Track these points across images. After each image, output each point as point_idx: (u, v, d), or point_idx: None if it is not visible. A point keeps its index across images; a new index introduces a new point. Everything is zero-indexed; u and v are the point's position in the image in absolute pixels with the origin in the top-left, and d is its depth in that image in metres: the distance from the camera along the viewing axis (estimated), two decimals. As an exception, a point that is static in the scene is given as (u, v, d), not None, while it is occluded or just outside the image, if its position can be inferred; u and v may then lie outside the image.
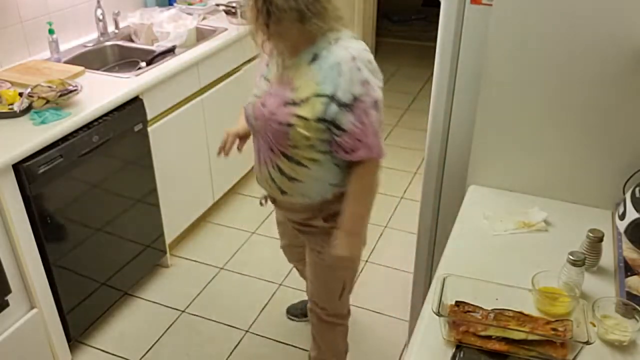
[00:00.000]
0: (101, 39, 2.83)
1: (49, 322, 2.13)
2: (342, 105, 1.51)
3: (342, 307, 2.02)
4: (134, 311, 2.57)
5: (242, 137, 1.90)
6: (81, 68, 2.44)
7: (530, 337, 1.14)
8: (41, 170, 1.95)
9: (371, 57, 1.57)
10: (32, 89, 2.08)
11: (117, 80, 2.38)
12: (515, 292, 1.23)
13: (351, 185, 1.66)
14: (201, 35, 2.91)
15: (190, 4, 3.29)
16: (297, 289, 2.68)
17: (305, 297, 2.25)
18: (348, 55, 1.51)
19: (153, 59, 2.61)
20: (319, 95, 1.53)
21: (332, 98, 1.51)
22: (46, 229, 2.03)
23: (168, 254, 2.78)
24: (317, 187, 1.69)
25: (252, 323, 2.51)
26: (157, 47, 2.74)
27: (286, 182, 1.70)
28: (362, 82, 1.51)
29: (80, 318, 2.30)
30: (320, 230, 1.80)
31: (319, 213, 1.77)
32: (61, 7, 2.70)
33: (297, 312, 2.55)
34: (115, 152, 2.29)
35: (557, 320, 1.18)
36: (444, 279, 1.23)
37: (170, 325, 2.50)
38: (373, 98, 1.53)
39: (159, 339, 2.44)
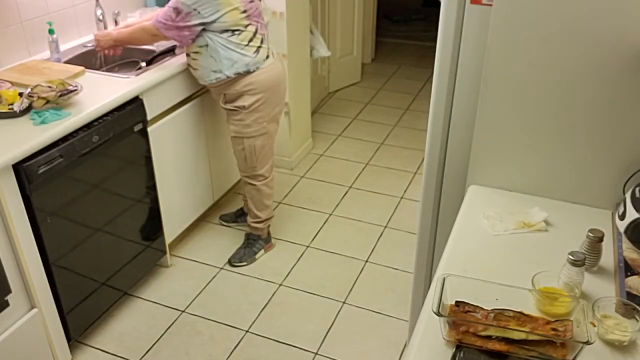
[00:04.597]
0: (101, 38, 2.83)
1: (49, 322, 2.13)
2: None
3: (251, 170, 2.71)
4: (134, 311, 2.57)
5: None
6: (81, 68, 2.44)
7: (531, 337, 1.14)
8: (41, 170, 1.95)
9: None
10: (32, 89, 2.08)
11: (117, 80, 2.39)
12: (515, 292, 1.23)
13: (139, 24, 2.54)
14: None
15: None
16: (298, 289, 2.69)
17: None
18: None
19: (153, 59, 2.62)
20: None
21: None
22: (46, 229, 2.03)
23: (168, 254, 2.78)
24: (203, 73, 2.48)
25: (252, 323, 2.51)
26: (157, 47, 2.75)
27: (191, 69, 2.55)
28: None
29: (80, 318, 2.30)
30: (226, 111, 2.60)
31: (219, 96, 2.59)
32: (61, 7, 2.70)
33: (228, 218, 3.10)
34: (115, 152, 2.29)
35: (557, 320, 1.18)
36: (444, 279, 1.22)
37: (170, 325, 2.50)
38: (175, 4, 2.31)
39: (159, 339, 2.44)
